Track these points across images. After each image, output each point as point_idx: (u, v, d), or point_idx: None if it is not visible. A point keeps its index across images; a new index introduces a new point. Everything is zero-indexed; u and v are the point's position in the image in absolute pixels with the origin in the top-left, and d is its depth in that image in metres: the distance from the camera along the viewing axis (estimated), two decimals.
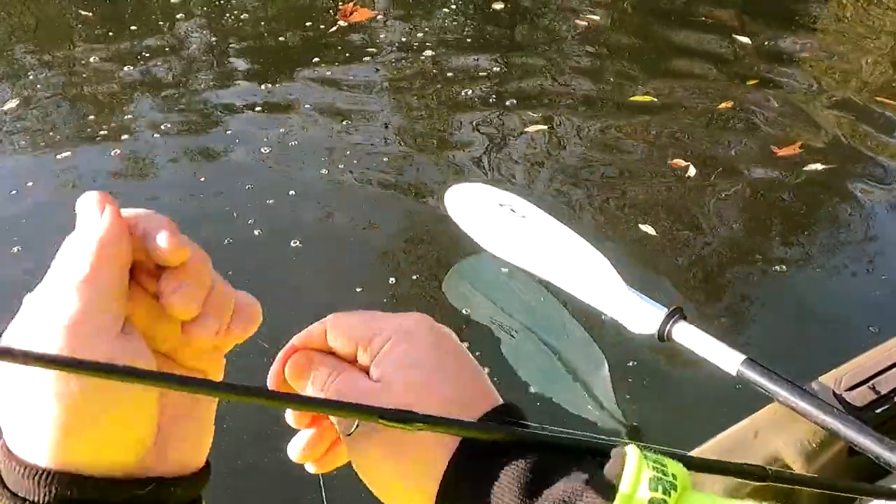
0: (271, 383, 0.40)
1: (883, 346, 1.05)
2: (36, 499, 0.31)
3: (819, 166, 2.60)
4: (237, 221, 2.32)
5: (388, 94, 3.28)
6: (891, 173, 2.64)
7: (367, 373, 0.38)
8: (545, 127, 2.94)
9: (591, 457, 0.34)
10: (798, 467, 0.91)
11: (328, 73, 3.44)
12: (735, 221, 2.37)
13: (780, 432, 0.93)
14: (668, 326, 1.02)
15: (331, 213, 2.40)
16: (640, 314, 1.07)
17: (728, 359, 0.96)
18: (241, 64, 3.61)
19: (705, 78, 3.31)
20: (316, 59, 3.54)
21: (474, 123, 3.04)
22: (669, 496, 0.30)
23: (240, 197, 2.46)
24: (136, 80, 3.41)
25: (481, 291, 1.72)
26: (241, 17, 4.28)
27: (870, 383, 0.97)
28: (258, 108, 3.09)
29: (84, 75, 3.54)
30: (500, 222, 1.26)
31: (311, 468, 0.41)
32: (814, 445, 0.91)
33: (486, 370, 0.40)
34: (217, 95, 3.21)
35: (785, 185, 2.56)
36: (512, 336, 1.64)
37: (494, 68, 3.45)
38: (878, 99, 3.15)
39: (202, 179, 2.64)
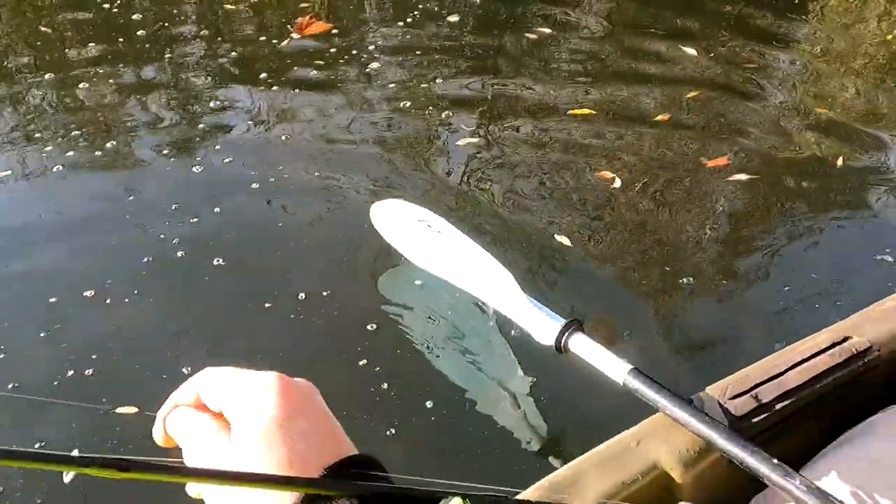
0: (157, 435, 0.47)
1: (770, 357, 1.07)
2: None
3: (744, 176, 2.66)
4: (158, 239, 2.35)
5: (336, 108, 3.29)
6: (816, 184, 2.71)
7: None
8: (475, 140, 2.99)
9: None
10: (677, 475, 0.92)
11: (276, 88, 3.44)
12: (653, 232, 2.41)
13: (662, 441, 0.94)
14: (565, 338, 1.03)
15: (262, 232, 2.41)
16: (540, 326, 1.09)
17: (617, 369, 0.97)
18: (190, 79, 3.59)
19: (646, 91, 3.38)
20: (264, 75, 3.54)
21: (411, 133, 3.07)
22: None
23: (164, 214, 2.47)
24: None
25: (404, 301, 1.75)
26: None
27: (752, 392, 0.99)
28: (200, 126, 3.09)
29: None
30: (419, 236, 1.29)
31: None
32: (693, 454, 0.93)
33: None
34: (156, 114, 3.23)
35: (709, 195, 2.62)
36: (431, 346, 1.66)
37: (440, 79, 3.50)
38: (818, 109, 3.24)
39: (119, 196, 2.64)
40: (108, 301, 2.11)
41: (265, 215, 2.48)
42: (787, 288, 2.19)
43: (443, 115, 3.16)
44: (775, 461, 0.83)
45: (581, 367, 1.13)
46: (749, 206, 2.59)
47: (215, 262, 2.21)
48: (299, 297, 2.04)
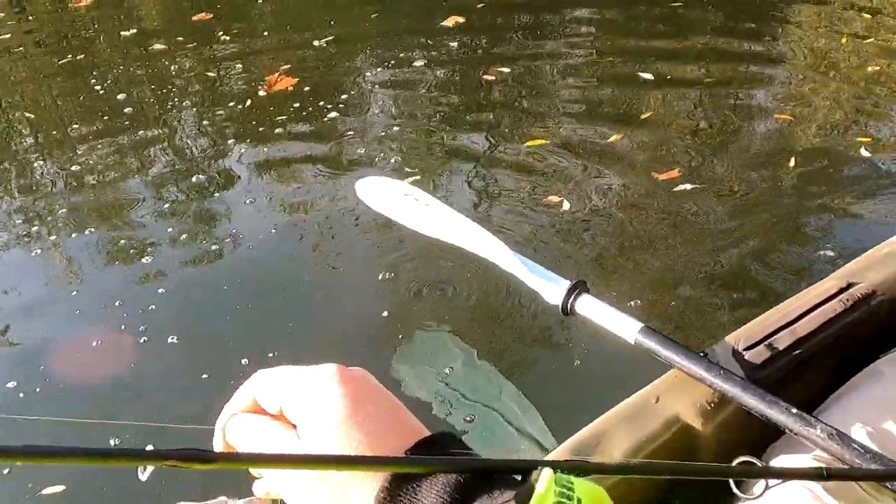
0: (217, 448, 0.45)
1: (780, 306, 1.09)
2: None
3: (688, 186, 2.73)
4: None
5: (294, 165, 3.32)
6: (753, 192, 2.77)
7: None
8: (419, 176, 3.07)
9: (514, 477, 0.36)
10: (698, 427, 0.93)
11: (244, 147, 3.52)
12: (597, 253, 2.49)
13: (679, 396, 0.96)
14: (571, 300, 1.03)
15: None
16: (545, 288, 1.09)
17: (627, 328, 0.98)
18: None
19: (600, 114, 3.45)
20: (234, 137, 3.64)
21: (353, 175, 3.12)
22: None
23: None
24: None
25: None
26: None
27: (767, 342, 1.01)
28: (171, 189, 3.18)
29: None
30: (409, 207, 1.27)
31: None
32: (712, 406, 0.94)
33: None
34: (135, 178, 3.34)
35: (657, 207, 2.67)
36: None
37: (394, 123, 3.62)
38: (779, 117, 3.30)
39: (91, 259, 2.76)
40: None
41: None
42: (735, 295, 2.26)
43: (393, 161, 3.23)
44: (794, 410, 0.84)
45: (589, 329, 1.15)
46: (696, 214, 2.65)
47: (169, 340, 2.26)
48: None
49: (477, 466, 0.37)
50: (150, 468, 0.47)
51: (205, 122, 3.87)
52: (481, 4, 5.21)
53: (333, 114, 3.73)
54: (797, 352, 0.99)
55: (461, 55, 4.40)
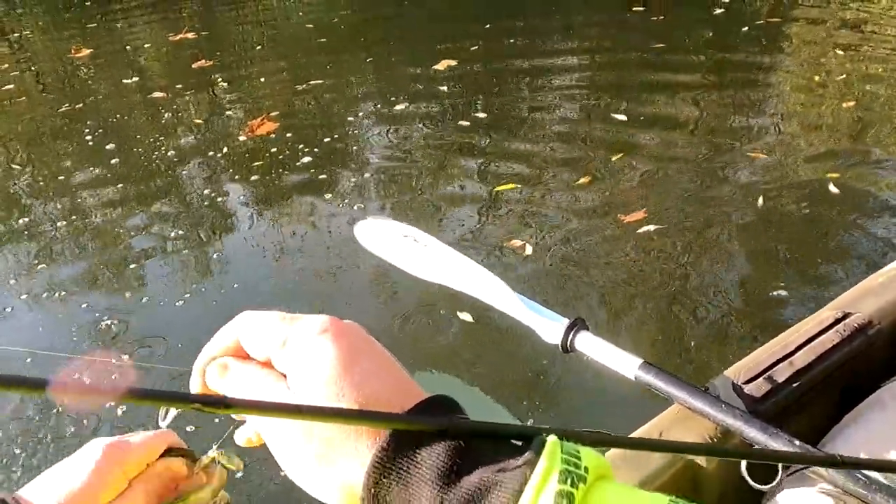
0: (194, 390, 0.42)
1: (778, 338, 1.09)
2: None
3: (651, 227, 2.76)
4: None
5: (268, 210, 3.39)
6: (719, 232, 2.82)
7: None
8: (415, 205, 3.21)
9: (516, 444, 0.34)
10: (702, 460, 0.93)
11: (230, 188, 3.59)
12: (555, 299, 2.49)
13: (683, 430, 0.96)
14: (570, 337, 1.03)
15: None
16: (544, 326, 1.09)
17: (627, 364, 0.98)
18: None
19: (573, 156, 3.51)
20: (212, 182, 3.72)
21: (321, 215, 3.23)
22: (577, 488, 0.31)
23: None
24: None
25: None
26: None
27: (766, 374, 1.01)
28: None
29: None
30: (408, 249, 1.28)
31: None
32: (714, 440, 0.94)
33: None
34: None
35: (622, 248, 2.71)
36: None
37: (374, 164, 3.71)
38: (744, 160, 3.35)
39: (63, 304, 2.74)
40: None
41: None
42: (695, 324, 2.28)
43: (369, 207, 3.29)
44: (797, 442, 0.84)
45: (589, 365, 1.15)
46: (661, 255, 2.68)
47: None
48: None
49: (484, 430, 0.35)
50: (172, 413, 0.46)
51: (188, 169, 3.91)
52: (474, 47, 5.33)
53: (307, 158, 3.78)
54: (797, 384, 0.99)
55: (449, 99, 4.47)
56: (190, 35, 6.63)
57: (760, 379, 1.00)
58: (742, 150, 3.42)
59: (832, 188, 3.00)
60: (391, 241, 1.32)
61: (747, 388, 0.99)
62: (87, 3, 9.11)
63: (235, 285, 2.78)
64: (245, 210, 3.39)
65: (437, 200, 3.26)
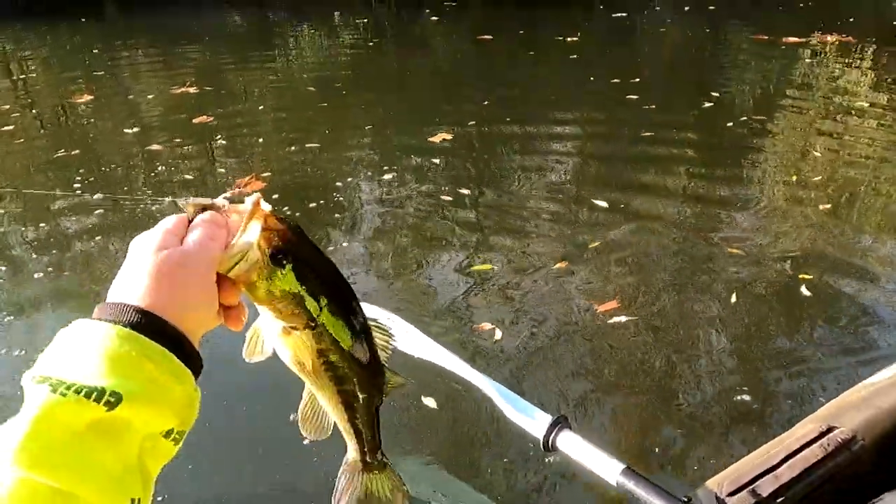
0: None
1: (760, 450, 1.08)
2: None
3: (623, 318, 2.78)
4: None
5: None
6: (690, 328, 2.83)
7: None
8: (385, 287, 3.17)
9: None
10: None
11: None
12: (519, 386, 2.46)
13: None
14: (553, 435, 1.01)
15: None
16: (525, 421, 1.07)
17: (608, 468, 0.96)
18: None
19: (551, 238, 3.57)
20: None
21: None
22: None
23: None
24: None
25: None
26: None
27: (750, 487, 0.98)
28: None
29: None
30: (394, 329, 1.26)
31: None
32: None
33: None
34: None
35: (593, 337, 2.71)
36: None
37: (345, 239, 3.69)
38: (722, 256, 3.42)
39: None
40: None
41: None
42: (664, 421, 2.27)
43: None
44: None
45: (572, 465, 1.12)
46: (629, 346, 2.67)
47: None
48: None
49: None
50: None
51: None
52: (471, 122, 5.45)
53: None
54: (782, 498, 0.97)
55: (440, 173, 4.52)
56: (192, 90, 6.75)
57: (744, 492, 0.97)
58: (720, 246, 3.46)
59: (804, 290, 3.03)
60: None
61: (730, 502, 0.96)
62: (95, 51, 9.29)
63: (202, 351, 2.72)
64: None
65: (414, 277, 3.25)
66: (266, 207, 0.58)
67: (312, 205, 4.05)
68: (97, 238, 3.73)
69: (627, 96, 6.01)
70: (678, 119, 5.55)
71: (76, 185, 4.41)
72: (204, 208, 0.59)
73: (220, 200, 0.61)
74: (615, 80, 6.53)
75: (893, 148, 4.74)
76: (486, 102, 6.01)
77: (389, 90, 6.87)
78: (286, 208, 3.96)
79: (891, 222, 3.76)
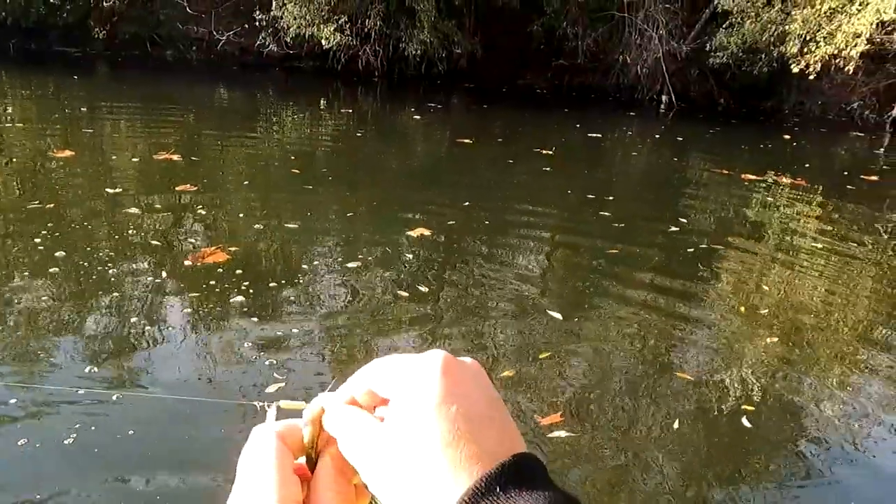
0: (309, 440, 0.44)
1: None
2: None
3: (563, 433, 2.85)
4: None
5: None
6: (629, 448, 2.90)
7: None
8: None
9: None
10: None
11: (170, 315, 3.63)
12: None
13: None
14: None
15: None
16: None
17: None
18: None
19: (502, 347, 3.66)
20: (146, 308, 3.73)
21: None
22: None
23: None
24: None
25: None
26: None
27: None
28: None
29: None
30: None
31: None
32: None
33: None
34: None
35: (532, 450, 2.74)
36: None
37: (293, 324, 3.71)
38: (672, 379, 3.54)
39: None
40: None
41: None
42: None
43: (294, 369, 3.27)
44: None
45: None
46: (570, 463, 2.73)
47: None
48: None
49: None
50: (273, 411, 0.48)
51: (123, 288, 3.88)
52: (452, 222, 5.61)
53: (239, 298, 3.78)
54: None
55: (409, 268, 4.59)
56: (175, 157, 6.84)
57: None
58: (667, 370, 3.54)
59: (745, 422, 3.10)
60: None
61: None
62: (83, 109, 9.39)
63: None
64: (163, 336, 3.35)
65: (361, 366, 3.23)
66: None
67: (272, 284, 4.06)
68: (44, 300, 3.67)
69: (601, 212, 6.29)
70: (645, 239, 5.81)
71: (37, 241, 4.36)
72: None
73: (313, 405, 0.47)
74: (590, 196, 6.83)
75: (839, 288, 5.01)
76: (466, 203, 6.21)
77: (369, 180, 7.05)
78: (246, 283, 3.96)
79: (833, 362, 3.92)
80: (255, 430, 0.44)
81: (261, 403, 0.49)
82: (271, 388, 2.97)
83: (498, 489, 0.35)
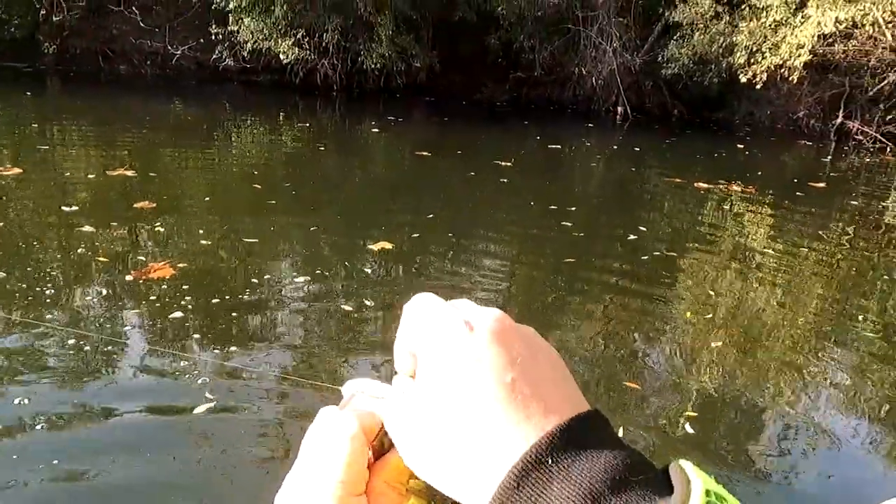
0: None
1: None
2: None
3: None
4: None
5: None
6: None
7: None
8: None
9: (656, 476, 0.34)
10: None
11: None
12: None
13: None
14: None
15: None
16: None
17: None
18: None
19: None
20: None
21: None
22: None
23: None
24: None
25: None
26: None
27: None
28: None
29: None
30: None
31: None
32: None
33: None
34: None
35: None
36: None
37: (231, 342, 3.64)
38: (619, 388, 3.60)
39: None
40: None
41: None
42: None
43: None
44: None
45: None
46: None
47: None
48: None
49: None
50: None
51: (61, 303, 3.79)
52: (416, 234, 5.62)
53: (178, 314, 3.73)
54: None
55: (365, 281, 4.57)
56: (130, 173, 6.71)
57: None
58: (618, 378, 3.58)
59: (688, 427, 3.16)
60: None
61: None
62: (34, 125, 9.15)
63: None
64: (95, 358, 3.28)
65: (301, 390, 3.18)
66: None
67: (216, 300, 3.96)
68: None
69: (562, 222, 6.38)
70: (604, 245, 5.91)
71: None
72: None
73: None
74: (552, 206, 6.93)
75: (789, 295, 5.16)
76: (430, 216, 6.22)
77: (329, 194, 7.03)
78: (189, 298, 3.90)
79: (783, 367, 4.01)
80: (327, 410, 0.42)
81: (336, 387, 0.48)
82: (200, 409, 2.90)
83: (578, 441, 0.34)
